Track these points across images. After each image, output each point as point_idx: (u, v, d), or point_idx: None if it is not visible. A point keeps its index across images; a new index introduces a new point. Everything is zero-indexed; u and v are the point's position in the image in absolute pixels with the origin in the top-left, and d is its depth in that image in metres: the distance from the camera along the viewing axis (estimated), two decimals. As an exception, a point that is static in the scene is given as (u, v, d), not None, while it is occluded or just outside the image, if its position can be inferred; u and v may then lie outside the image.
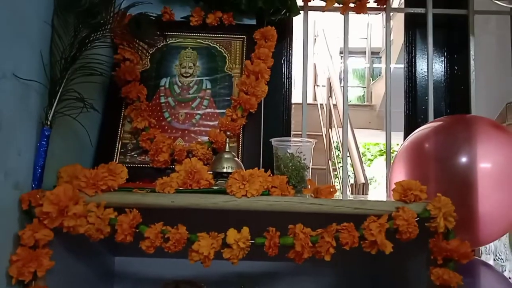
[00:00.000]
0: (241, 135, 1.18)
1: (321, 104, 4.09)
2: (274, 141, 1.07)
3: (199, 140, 1.16)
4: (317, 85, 4.68)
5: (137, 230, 0.82)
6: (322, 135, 3.83)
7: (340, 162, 3.35)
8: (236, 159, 1.03)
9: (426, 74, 1.45)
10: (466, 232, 0.96)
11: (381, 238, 0.80)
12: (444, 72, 1.49)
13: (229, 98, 1.20)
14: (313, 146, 1.08)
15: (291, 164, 1.02)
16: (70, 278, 0.97)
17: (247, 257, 1.24)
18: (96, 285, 1.12)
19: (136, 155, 1.15)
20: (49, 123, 0.87)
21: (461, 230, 0.86)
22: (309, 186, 0.91)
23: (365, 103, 5.38)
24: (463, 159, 1.05)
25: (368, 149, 6.62)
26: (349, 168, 2.97)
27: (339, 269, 1.25)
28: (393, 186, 0.87)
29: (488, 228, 1.07)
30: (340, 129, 1.79)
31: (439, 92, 1.47)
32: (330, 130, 3.71)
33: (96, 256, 1.13)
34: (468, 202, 1.04)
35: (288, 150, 1.05)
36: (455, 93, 1.46)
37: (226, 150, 1.04)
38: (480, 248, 1.61)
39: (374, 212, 0.84)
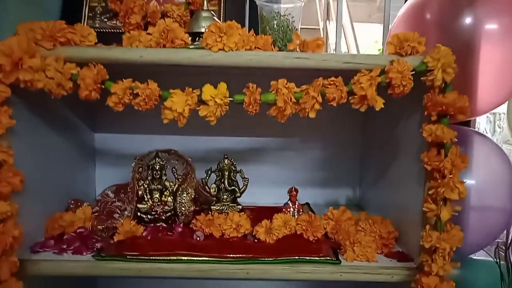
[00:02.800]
0: (222, -4, 1.06)
1: (319, -5, 3.83)
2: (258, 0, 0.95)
3: (174, 0, 1.03)
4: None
5: (103, 86, 0.74)
6: (319, 29, 3.65)
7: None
8: (216, 18, 0.93)
9: None
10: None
11: (371, 92, 0.73)
12: None
13: (208, -47, 1.05)
14: (302, 6, 0.97)
15: (277, 23, 0.92)
16: (47, 150, 0.92)
17: (232, 133, 1.21)
18: (76, 161, 1.08)
19: (106, 19, 1.04)
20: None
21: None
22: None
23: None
24: (466, 21, 0.95)
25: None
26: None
27: (327, 143, 1.21)
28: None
29: (488, 95, 1.00)
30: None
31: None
32: (327, 23, 3.52)
33: (75, 132, 1.07)
34: (469, 67, 0.96)
35: (274, 9, 0.93)
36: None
37: (204, 8, 0.93)
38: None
39: (366, 67, 0.76)
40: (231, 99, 0.75)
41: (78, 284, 1.09)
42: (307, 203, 1.14)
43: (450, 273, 0.75)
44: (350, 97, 0.75)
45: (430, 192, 0.76)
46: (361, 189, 1.22)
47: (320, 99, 0.74)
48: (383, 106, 0.75)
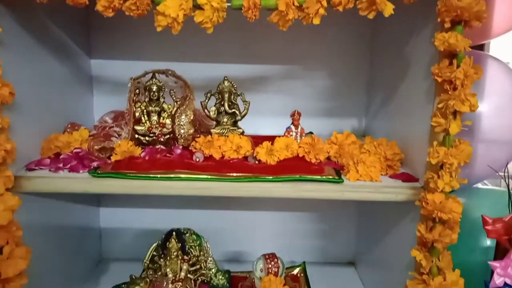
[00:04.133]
0: None
1: None
2: None
3: None
4: None
5: (92, -10, 0.69)
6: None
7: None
8: None
9: None
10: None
11: (381, -5, 0.67)
12: None
13: None
14: None
15: None
16: (41, 70, 0.88)
17: (233, 60, 1.16)
18: (72, 87, 1.05)
19: None
20: None
21: None
22: None
23: None
24: None
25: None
26: None
27: (333, 71, 1.16)
28: None
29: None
30: None
31: None
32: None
33: (70, 56, 1.03)
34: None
35: None
36: None
37: None
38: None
39: (376, -30, 0.69)
40: (229, 4, 0.70)
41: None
42: (310, 132, 1.10)
43: (457, 188, 0.72)
44: (357, 2, 0.69)
45: (439, 106, 0.72)
46: (367, 119, 1.18)
47: (325, 3, 0.68)
48: (392, 12, 0.69)
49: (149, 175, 0.79)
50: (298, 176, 0.80)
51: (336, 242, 1.28)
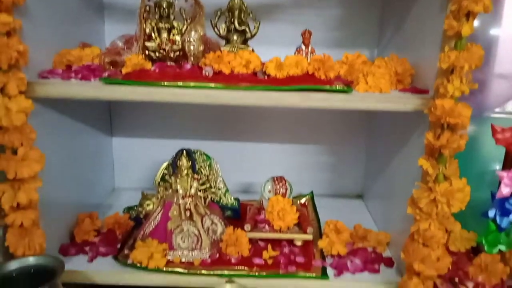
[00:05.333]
0: None
1: None
2: None
3: None
4: None
5: None
6: None
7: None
8: None
9: None
10: None
11: None
12: None
13: None
14: None
15: None
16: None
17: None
18: (85, 13, 1.05)
19: None
20: None
21: None
22: None
23: None
24: None
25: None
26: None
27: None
28: None
29: None
30: None
31: None
32: None
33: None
34: None
35: None
36: None
37: None
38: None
39: None
40: None
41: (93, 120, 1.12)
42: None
43: (466, 94, 0.71)
44: None
45: (452, 8, 0.70)
46: (379, 49, 1.17)
47: None
48: None
49: (160, 83, 0.80)
50: (307, 85, 0.80)
51: (344, 175, 1.29)
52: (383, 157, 1.09)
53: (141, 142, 1.27)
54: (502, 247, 0.80)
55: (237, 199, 1.11)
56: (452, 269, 0.85)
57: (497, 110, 1.07)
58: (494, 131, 0.76)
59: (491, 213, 0.79)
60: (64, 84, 0.80)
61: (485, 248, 0.81)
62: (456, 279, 0.81)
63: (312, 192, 1.21)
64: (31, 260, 0.78)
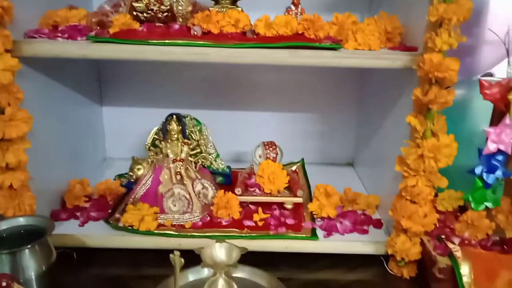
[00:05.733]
0: None
1: None
2: None
3: None
4: None
5: None
6: None
7: None
8: None
9: None
10: None
11: None
12: None
13: None
14: None
15: None
16: None
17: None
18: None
19: None
20: None
21: None
22: None
23: None
24: None
25: None
26: None
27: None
28: None
29: None
30: None
31: None
32: None
33: None
34: None
35: None
36: None
37: None
38: None
39: None
40: None
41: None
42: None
43: (454, 47, 0.71)
44: None
45: (441, -39, 0.70)
46: (370, 14, 1.16)
47: None
48: None
49: (148, 41, 0.79)
50: (295, 42, 0.79)
51: (335, 143, 1.30)
52: (374, 124, 1.09)
53: (131, 111, 1.26)
54: (489, 204, 0.81)
55: (228, 167, 1.11)
56: (439, 227, 0.86)
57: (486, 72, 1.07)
58: (481, 86, 0.76)
59: (478, 170, 0.80)
60: (51, 43, 0.79)
61: (472, 205, 0.82)
62: (443, 236, 0.82)
63: (303, 159, 1.22)
64: (21, 220, 0.78)
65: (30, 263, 0.70)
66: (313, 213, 0.98)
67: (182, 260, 0.70)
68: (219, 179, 1.08)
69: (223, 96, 1.26)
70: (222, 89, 1.25)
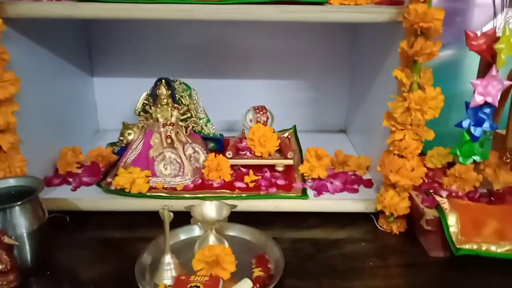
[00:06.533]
0: None
1: None
2: None
3: None
4: None
5: None
6: None
7: None
8: None
9: None
10: None
11: None
12: None
13: None
14: None
15: None
16: None
17: None
18: None
19: None
20: None
21: None
22: None
23: None
24: None
25: None
26: None
27: None
28: None
29: None
30: None
31: None
32: None
33: None
34: None
35: None
36: None
37: None
38: None
39: None
40: None
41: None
42: None
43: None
44: None
45: None
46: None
47: None
48: None
49: (132, -1, 0.79)
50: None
51: (327, 110, 1.30)
52: (366, 88, 1.09)
53: (123, 82, 1.26)
54: (477, 158, 0.82)
55: (221, 135, 1.12)
56: (428, 183, 0.87)
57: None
58: (467, 38, 0.76)
59: (465, 123, 0.80)
60: (35, 3, 0.79)
61: (460, 159, 0.82)
62: (431, 190, 0.82)
63: (295, 126, 1.22)
64: (11, 181, 0.78)
65: (21, 221, 0.71)
66: (304, 174, 0.98)
67: (171, 214, 0.70)
68: (211, 145, 1.08)
69: (214, 64, 1.25)
70: (213, 57, 1.25)
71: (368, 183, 0.96)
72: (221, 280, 0.68)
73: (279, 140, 1.00)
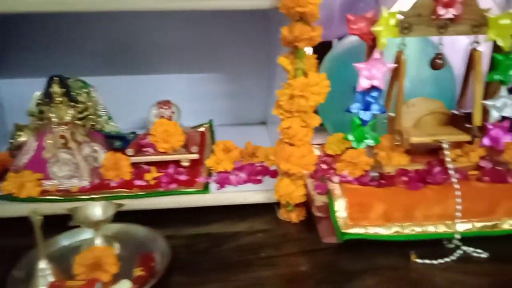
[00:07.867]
0: None
1: None
2: None
3: None
4: None
5: None
6: None
7: None
8: None
9: None
10: None
11: None
12: None
13: None
14: None
15: None
16: None
17: None
18: None
19: None
20: None
21: None
22: None
23: None
24: None
25: None
26: None
27: None
28: None
29: None
30: None
31: None
32: None
33: None
34: None
35: None
36: None
37: None
38: None
39: None
40: None
41: None
42: None
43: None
44: None
45: None
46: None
47: None
48: None
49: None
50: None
51: (247, 102, 1.29)
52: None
53: (29, 82, 1.19)
54: (370, 142, 0.81)
55: (133, 132, 1.08)
56: (327, 169, 0.87)
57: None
58: (348, 21, 0.75)
59: (354, 108, 0.80)
60: None
61: (353, 144, 0.82)
62: (327, 177, 0.82)
63: (210, 120, 1.20)
64: None
65: None
66: (210, 168, 0.96)
67: (41, 218, 0.66)
68: (117, 143, 1.05)
69: (127, 60, 1.21)
70: (126, 53, 1.20)
71: (274, 174, 0.95)
72: (99, 283, 0.65)
73: (184, 135, 0.98)
